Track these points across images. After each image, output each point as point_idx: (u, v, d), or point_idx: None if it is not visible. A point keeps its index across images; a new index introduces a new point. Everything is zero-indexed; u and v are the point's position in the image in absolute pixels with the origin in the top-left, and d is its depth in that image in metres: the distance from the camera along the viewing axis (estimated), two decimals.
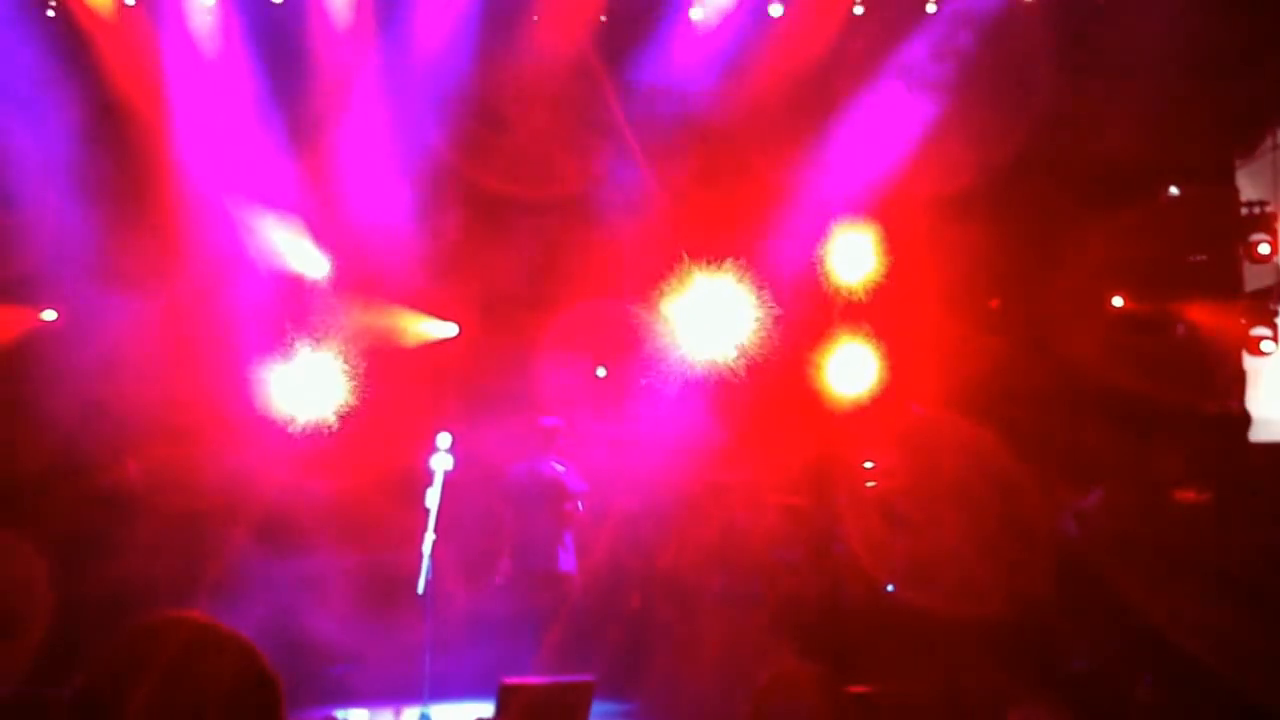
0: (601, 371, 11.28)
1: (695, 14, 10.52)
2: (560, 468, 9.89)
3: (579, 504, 9.78)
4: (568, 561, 9.82)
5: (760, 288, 9.93)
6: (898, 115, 10.20)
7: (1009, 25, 10.01)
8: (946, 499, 9.64)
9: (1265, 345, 10.41)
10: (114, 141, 10.14)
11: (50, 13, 10.14)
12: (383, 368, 10.26)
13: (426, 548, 9.32)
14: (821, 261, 10.31)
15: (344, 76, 10.33)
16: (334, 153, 10.38)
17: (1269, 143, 10.90)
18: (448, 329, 11.13)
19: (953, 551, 9.21)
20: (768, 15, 10.42)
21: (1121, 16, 10.06)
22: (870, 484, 10.17)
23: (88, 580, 9.33)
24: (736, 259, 10.00)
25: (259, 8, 10.30)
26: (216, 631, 2.23)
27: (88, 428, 9.74)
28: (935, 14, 10.36)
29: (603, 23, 10.58)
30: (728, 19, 10.49)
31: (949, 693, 8.24)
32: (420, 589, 9.32)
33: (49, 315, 10.52)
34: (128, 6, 10.15)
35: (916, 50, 10.19)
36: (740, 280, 9.87)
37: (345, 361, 10.03)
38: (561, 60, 10.38)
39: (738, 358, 9.91)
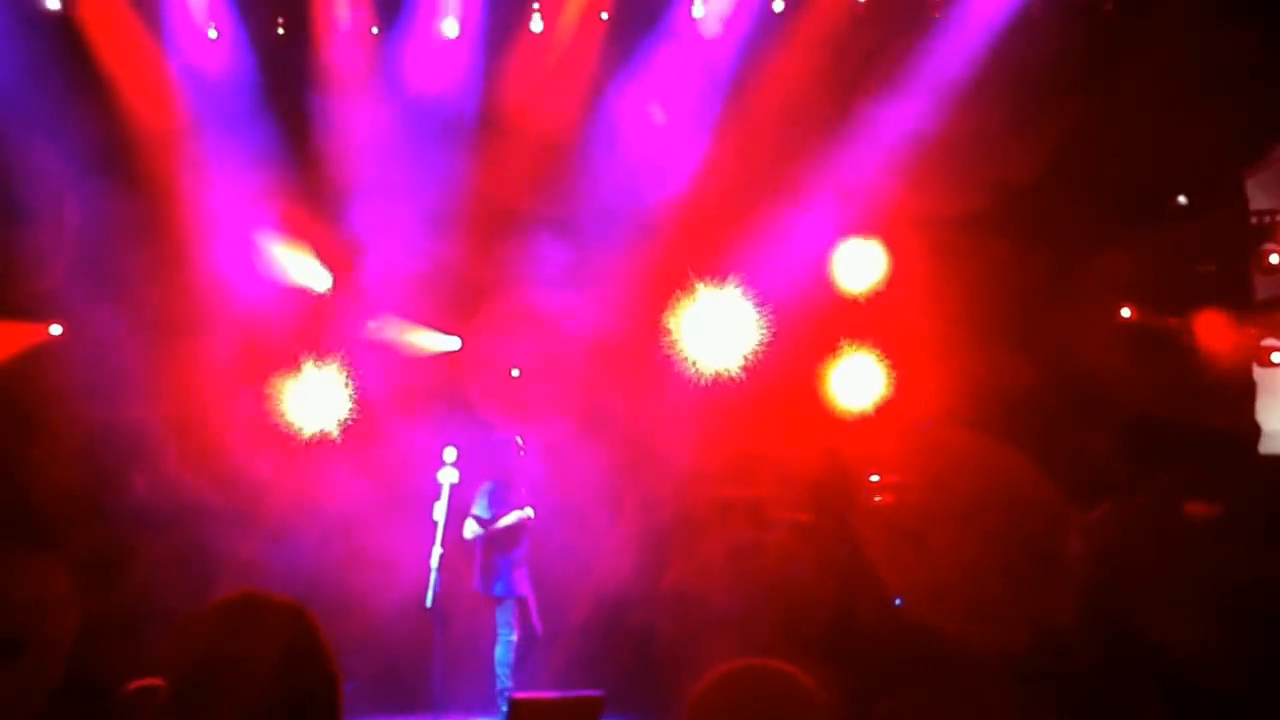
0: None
1: (697, 11, 10.51)
2: (486, 486, 9.80)
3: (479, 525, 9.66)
4: (507, 586, 9.70)
5: (767, 301, 9.92)
6: (907, 129, 10.18)
7: (1017, 41, 9.98)
8: (958, 515, 9.60)
9: (1276, 356, 10.34)
10: (124, 159, 10.17)
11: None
12: (388, 381, 10.28)
13: (434, 561, 9.35)
14: (830, 275, 10.29)
15: (348, 94, 10.37)
16: (338, 169, 10.40)
17: (1279, 152, 10.85)
18: (451, 342, 11.13)
19: (964, 568, 9.17)
20: (771, 26, 10.41)
21: (1130, 29, 10.02)
22: (877, 498, 10.12)
23: (100, 597, 9.36)
24: (743, 273, 10.00)
25: (263, 34, 10.37)
26: (271, 599, 2.31)
27: (97, 444, 9.77)
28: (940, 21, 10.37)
29: (606, 32, 10.59)
30: (730, 28, 10.48)
31: (960, 709, 8.21)
32: (428, 603, 9.34)
33: (55, 330, 10.55)
34: (136, 29, 10.25)
35: None
36: (746, 294, 9.86)
37: (351, 376, 10.05)
38: (564, 72, 10.39)
39: (744, 372, 9.90)
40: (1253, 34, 9.73)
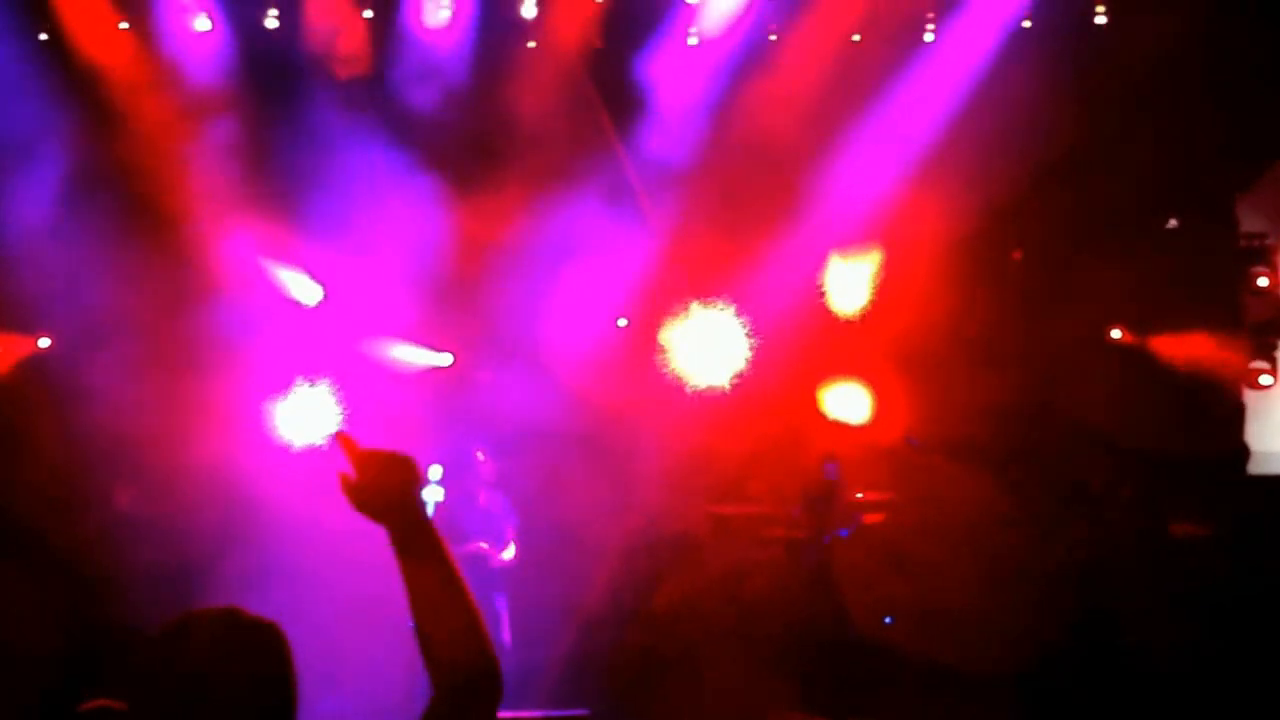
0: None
1: (691, 41, 10.53)
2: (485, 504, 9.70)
3: (482, 544, 9.52)
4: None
5: (758, 320, 9.90)
6: (897, 150, 10.19)
7: (1010, 61, 10.01)
8: (947, 533, 9.57)
9: (1264, 379, 10.34)
10: (108, 169, 10.14)
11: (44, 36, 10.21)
12: (376, 398, 10.22)
13: None
14: (820, 295, 10.28)
15: (343, 113, 10.37)
16: (331, 186, 10.36)
17: (1269, 175, 10.88)
18: (442, 359, 11.08)
19: (953, 586, 9.13)
20: (765, 46, 10.42)
21: (1120, 50, 10.05)
22: (868, 517, 10.08)
23: (81, 612, 9.28)
24: (735, 292, 9.98)
25: (255, 42, 10.38)
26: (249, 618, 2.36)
27: (81, 458, 9.70)
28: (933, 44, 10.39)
29: (597, 51, 10.59)
30: (723, 48, 10.49)
31: None
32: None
33: (43, 343, 10.50)
34: (127, 38, 10.23)
35: None
36: (738, 313, 9.84)
37: (340, 390, 10.00)
38: (557, 93, 10.38)
39: (738, 389, 9.87)
40: (1245, 57, 9.77)
